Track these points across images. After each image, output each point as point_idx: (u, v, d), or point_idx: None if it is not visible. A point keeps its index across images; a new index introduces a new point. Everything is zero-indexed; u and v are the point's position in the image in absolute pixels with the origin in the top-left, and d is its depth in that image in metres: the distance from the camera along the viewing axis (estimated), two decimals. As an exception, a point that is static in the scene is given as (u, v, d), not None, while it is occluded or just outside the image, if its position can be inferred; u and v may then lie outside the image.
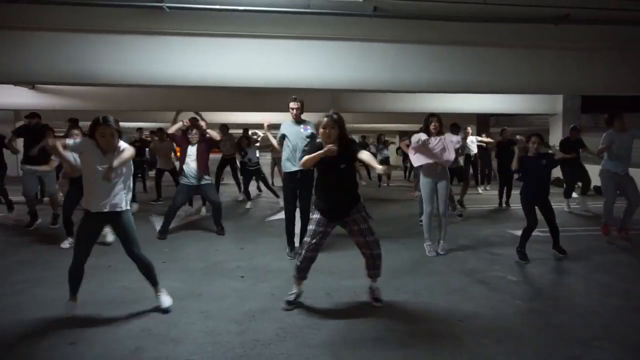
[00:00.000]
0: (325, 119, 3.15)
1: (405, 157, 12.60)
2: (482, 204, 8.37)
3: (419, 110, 12.18)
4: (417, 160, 4.99)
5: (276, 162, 10.68)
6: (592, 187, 8.12)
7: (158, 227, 5.93)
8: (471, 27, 5.95)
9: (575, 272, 4.31)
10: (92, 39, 5.65)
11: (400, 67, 6.34)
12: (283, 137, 4.80)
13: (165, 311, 3.24)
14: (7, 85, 9.63)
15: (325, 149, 3.09)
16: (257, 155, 8.90)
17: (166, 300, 3.32)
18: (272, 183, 10.26)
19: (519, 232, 4.85)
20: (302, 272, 3.36)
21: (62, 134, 5.68)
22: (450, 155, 4.86)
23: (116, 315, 3.20)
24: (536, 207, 4.62)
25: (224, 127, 8.62)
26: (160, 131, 9.01)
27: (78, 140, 3.08)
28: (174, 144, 6.50)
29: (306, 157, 3.25)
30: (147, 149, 10.08)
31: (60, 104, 10.79)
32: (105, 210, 3.06)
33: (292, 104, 4.75)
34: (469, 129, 11.10)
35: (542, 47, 6.49)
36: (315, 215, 3.31)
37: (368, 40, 6.17)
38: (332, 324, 3.09)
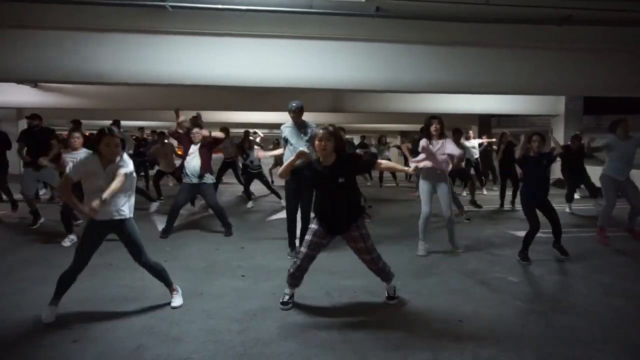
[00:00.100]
0: (320, 131, 3.11)
1: (406, 158, 12.58)
2: (483, 204, 8.36)
3: (421, 111, 12.16)
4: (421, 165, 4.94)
5: (277, 162, 10.70)
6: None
7: (159, 225, 5.95)
8: (473, 27, 5.95)
9: (576, 272, 4.32)
10: (94, 37, 5.67)
11: (402, 67, 6.35)
12: (286, 140, 4.78)
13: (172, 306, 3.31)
14: (10, 83, 9.65)
15: (297, 153, 3.10)
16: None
17: (177, 301, 3.36)
18: (272, 182, 10.29)
19: (520, 233, 4.86)
20: (294, 280, 3.35)
21: (64, 131, 5.69)
22: (442, 165, 4.78)
23: (118, 313, 3.22)
24: (537, 209, 4.63)
25: (224, 130, 8.63)
26: (161, 135, 9.01)
27: (77, 164, 3.05)
28: (176, 144, 6.49)
29: (282, 167, 3.25)
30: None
31: (62, 103, 10.81)
32: (109, 218, 3.07)
33: (292, 108, 4.69)
34: (471, 132, 11.12)
35: (543, 47, 6.49)
36: (313, 225, 3.29)
37: (370, 40, 6.17)
38: (333, 323, 3.10)
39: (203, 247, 5.16)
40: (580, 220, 7.06)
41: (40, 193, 8.73)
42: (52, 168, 5.68)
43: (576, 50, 6.54)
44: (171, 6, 5.29)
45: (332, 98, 11.46)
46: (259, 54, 6.01)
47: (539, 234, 4.71)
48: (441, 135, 4.85)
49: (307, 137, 4.65)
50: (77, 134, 5.11)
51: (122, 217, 3.11)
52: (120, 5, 5.33)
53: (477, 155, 10.47)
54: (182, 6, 5.36)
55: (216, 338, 2.85)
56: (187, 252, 4.97)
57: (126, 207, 3.13)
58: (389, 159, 12.21)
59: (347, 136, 7.76)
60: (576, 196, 8.12)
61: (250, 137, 8.96)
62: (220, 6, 5.30)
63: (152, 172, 10.74)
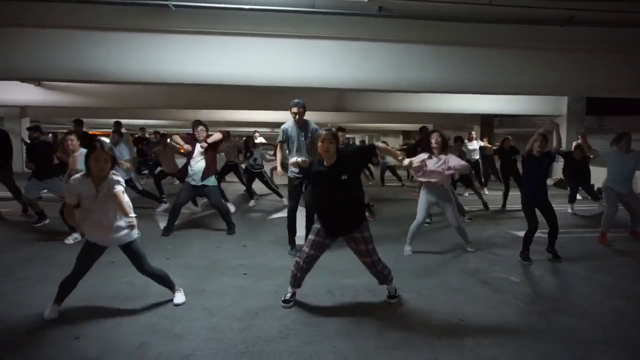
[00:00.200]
0: (323, 133, 3.11)
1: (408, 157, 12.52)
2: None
3: (423, 110, 12.19)
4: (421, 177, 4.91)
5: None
6: (595, 189, 8.12)
7: (161, 224, 5.97)
8: (476, 27, 5.96)
9: (577, 273, 4.32)
10: (97, 36, 5.69)
11: (404, 67, 6.36)
12: (285, 140, 4.74)
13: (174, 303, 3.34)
14: (13, 81, 9.69)
15: (292, 163, 3.24)
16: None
17: (179, 298, 3.39)
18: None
19: (521, 233, 4.86)
20: (296, 281, 3.36)
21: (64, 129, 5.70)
22: (445, 180, 4.73)
23: (120, 310, 3.24)
24: (537, 209, 4.63)
25: (224, 133, 8.65)
26: (163, 136, 9.05)
27: (70, 189, 3.03)
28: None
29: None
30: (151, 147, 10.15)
31: (66, 101, 10.85)
32: (112, 245, 3.10)
33: (294, 108, 4.62)
34: (473, 133, 11.11)
35: (545, 48, 6.49)
36: (316, 225, 3.30)
37: (373, 40, 6.19)
38: (334, 321, 3.12)
39: (205, 246, 5.18)
40: (582, 221, 7.06)
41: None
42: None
43: (577, 51, 6.54)
44: (174, 5, 5.31)
45: (335, 97, 11.47)
46: (262, 54, 6.02)
47: (540, 234, 4.72)
48: (443, 149, 4.77)
49: (307, 140, 4.59)
50: (71, 137, 4.99)
51: (128, 241, 3.12)
52: (122, 4, 5.35)
53: (477, 156, 10.50)
54: (185, 5, 5.37)
55: (218, 336, 2.87)
56: (188, 250, 4.99)
57: (126, 232, 3.10)
58: (389, 164, 12.16)
59: (347, 135, 7.75)
60: (578, 197, 8.13)
61: (256, 140, 8.99)
62: (223, 5, 5.31)
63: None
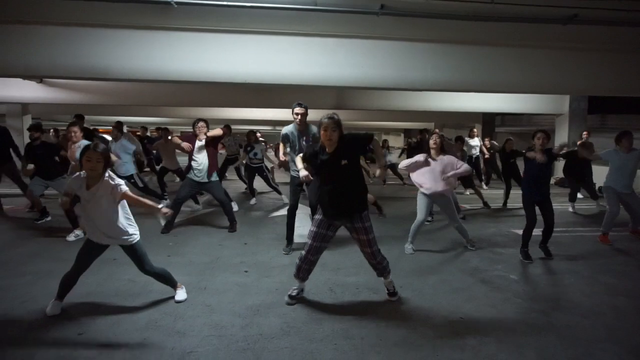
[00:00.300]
0: (325, 120, 3.11)
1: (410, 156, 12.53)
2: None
3: (424, 109, 12.17)
4: (416, 179, 4.93)
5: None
6: (597, 188, 8.11)
7: (162, 220, 5.98)
8: (478, 26, 5.94)
9: (578, 272, 4.32)
10: (100, 33, 5.69)
11: (406, 65, 6.35)
12: (286, 141, 4.73)
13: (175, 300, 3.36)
14: (15, 78, 9.70)
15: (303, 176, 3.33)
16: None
17: (181, 295, 3.40)
18: (273, 179, 10.31)
19: (522, 232, 4.86)
20: (301, 273, 3.37)
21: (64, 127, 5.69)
22: (439, 186, 4.72)
23: (123, 307, 3.26)
24: (537, 205, 4.64)
25: (226, 127, 8.68)
26: (165, 131, 9.06)
27: (67, 186, 3.08)
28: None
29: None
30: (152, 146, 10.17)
31: (68, 98, 10.85)
32: (114, 244, 3.12)
33: (297, 109, 4.57)
34: (475, 130, 11.11)
35: (549, 47, 6.47)
36: (317, 216, 3.31)
37: (374, 38, 6.18)
38: (335, 319, 3.13)
39: (206, 243, 5.19)
40: (583, 220, 7.05)
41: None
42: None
43: (580, 50, 6.52)
44: (176, 2, 5.31)
45: (336, 95, 11.46)
46: (264, 51, 6.02)
47: (540, 233, 4.72)
48: (441, 151, 4.78)
49: (308, 144, 4.55)
50: (74, 128, 5.16)
51: (130, 243, 3.13)
52: (124, 1, 5.34)
53: (477, 153, 10.52)
54: (187, 3, 5.37)
55: (220, 333, 2.89)
56: (190, 247, 5.00)
57: (133, 230, 3.13)
58: (391, 162, 12.16)
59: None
60: (579, 195, 8.12)
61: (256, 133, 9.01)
62: (224, 3, 5.31)
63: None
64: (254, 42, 5.98)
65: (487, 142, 10.92)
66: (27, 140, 6.28)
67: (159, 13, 5.54)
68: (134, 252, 3.17)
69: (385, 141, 13.11)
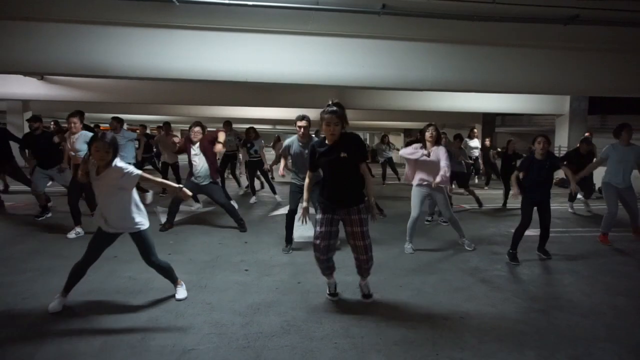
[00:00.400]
0: (327, 115, 3.08)
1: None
2: (485, 203, 8.35)
3: (425, 109, 12.18)
4: (410, 174, 4.96)
5: (279, 159, 10.70)
6: (596, 188, 8.11)
7: (162, 218, 5.99)
8: (479, 26, 5.93)
9: (578, 271, 4.33)
10: (101, 31, 5.70)
11: (407, 65, 6.35)
12: (286, 153, 4.75)
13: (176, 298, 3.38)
14: (16, 75, 9.71)
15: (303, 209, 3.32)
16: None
17: (181, 293, 3.41)
18: (272, 177, 10.32)
19: (514, 231, 4.85)
20: (325, 271, 3.37)
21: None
22: (434, 177, 4.70)
23: (124, 304, 3.27)
24: (535, 206, 4.63)
25: (227, 124, 8.69)
26: (166, 125, 9.08)
27: (86, 161, 3.11)
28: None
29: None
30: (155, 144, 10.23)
31: (69, 95, 10.88)
32: (124, 232, 3.13)
33: (299, 122, 4.55)
34: (475, 130, 11.11)
35: (550, 47, 6.48)
36: (318, 216, 3.30)
37: (375, 38, 6.19)
38: (335, 318, 3.14)
39: (206, 241, 5.20)
40: (583, 220, 7.06)
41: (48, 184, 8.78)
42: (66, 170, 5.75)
43: (581, 50, 6.52)
44: (178, 0, 5.30)
45: (337, 95, 11.46)
46: (266, 50, 6.02)
47: (535, 233, 4.72)
48: (436, 143, 4.80)
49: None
50: (74, 119, 5.22)
51: (139, 229, 3.14)
52: (126, -1, 5.35)
53: (476, 154, 10.55)
54: (189, 1, 5.36)
55: (220, 331, 2.89)
56: (190, 245, 5.01)
57: (141, 218, 3.15)
58: (391, 158, 12.18)
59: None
60: (579, 196, 8.12)
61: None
62: (226, 1, 5.30)
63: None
64: (255, 40, 5.99)
65: (487, 143, 10.93)
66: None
67: (160, 11, 5.53)
68: (142, 240, 3.18)
69: (385, 136, 13.08)
